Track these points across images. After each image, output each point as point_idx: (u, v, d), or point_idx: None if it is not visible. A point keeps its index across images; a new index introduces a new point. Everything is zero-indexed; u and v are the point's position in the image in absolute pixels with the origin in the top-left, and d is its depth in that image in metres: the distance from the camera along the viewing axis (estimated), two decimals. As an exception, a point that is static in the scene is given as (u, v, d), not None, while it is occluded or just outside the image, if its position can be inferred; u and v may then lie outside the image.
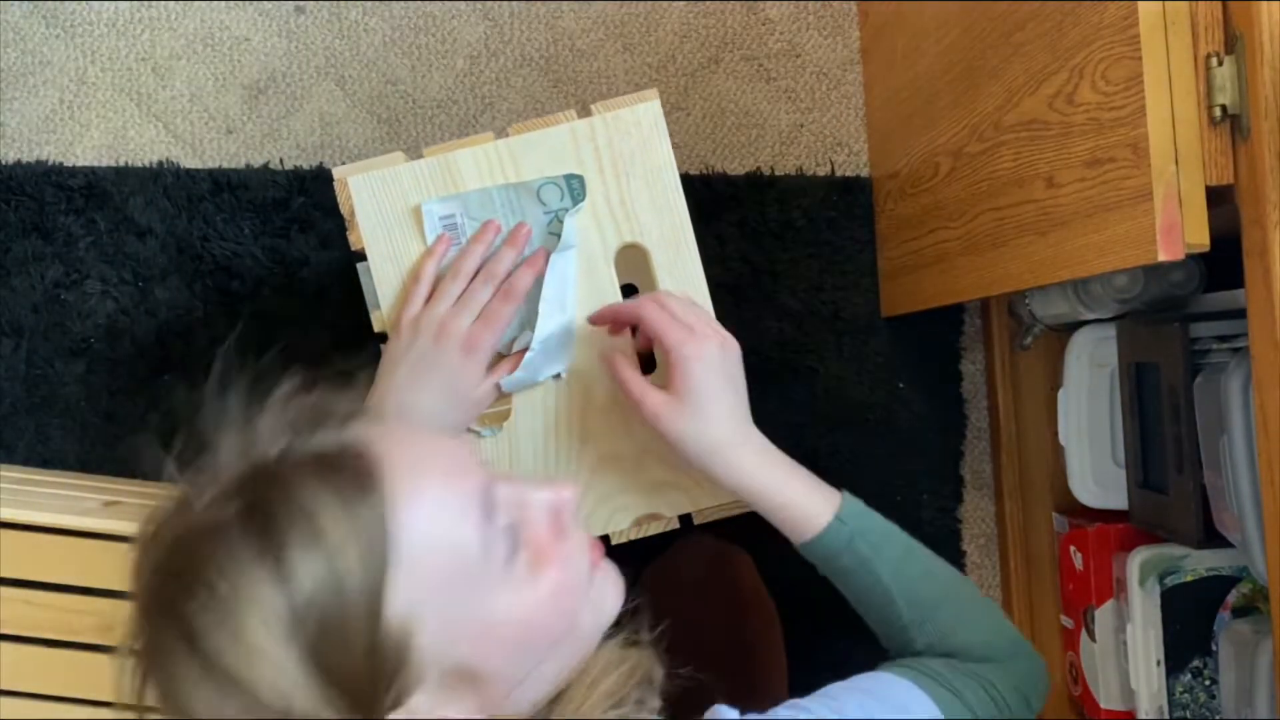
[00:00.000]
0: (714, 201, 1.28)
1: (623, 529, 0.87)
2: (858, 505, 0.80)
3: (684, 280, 0.86)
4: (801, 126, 1.30)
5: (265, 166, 1.29)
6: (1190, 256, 0.88)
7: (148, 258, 1.26)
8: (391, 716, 0.54)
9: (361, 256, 0.87)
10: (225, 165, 1.29)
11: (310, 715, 0.52)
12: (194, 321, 1.27)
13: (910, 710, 0.69)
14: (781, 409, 1.27)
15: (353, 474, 0.56)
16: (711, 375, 0.77)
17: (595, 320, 0.85)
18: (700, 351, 0.77)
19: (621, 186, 0.86)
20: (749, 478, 0.78)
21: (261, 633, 0.52)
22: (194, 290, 1.27)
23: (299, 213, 1.28)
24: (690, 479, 0.86)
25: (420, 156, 0.86)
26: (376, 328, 0.88)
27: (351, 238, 0.87)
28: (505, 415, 0.86)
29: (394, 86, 1.30)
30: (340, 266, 1.28)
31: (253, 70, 1.30)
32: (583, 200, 0.85)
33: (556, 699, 0.61)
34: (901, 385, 1.28)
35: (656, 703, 0.62)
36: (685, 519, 0.89)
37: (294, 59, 1.30)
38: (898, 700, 0.69)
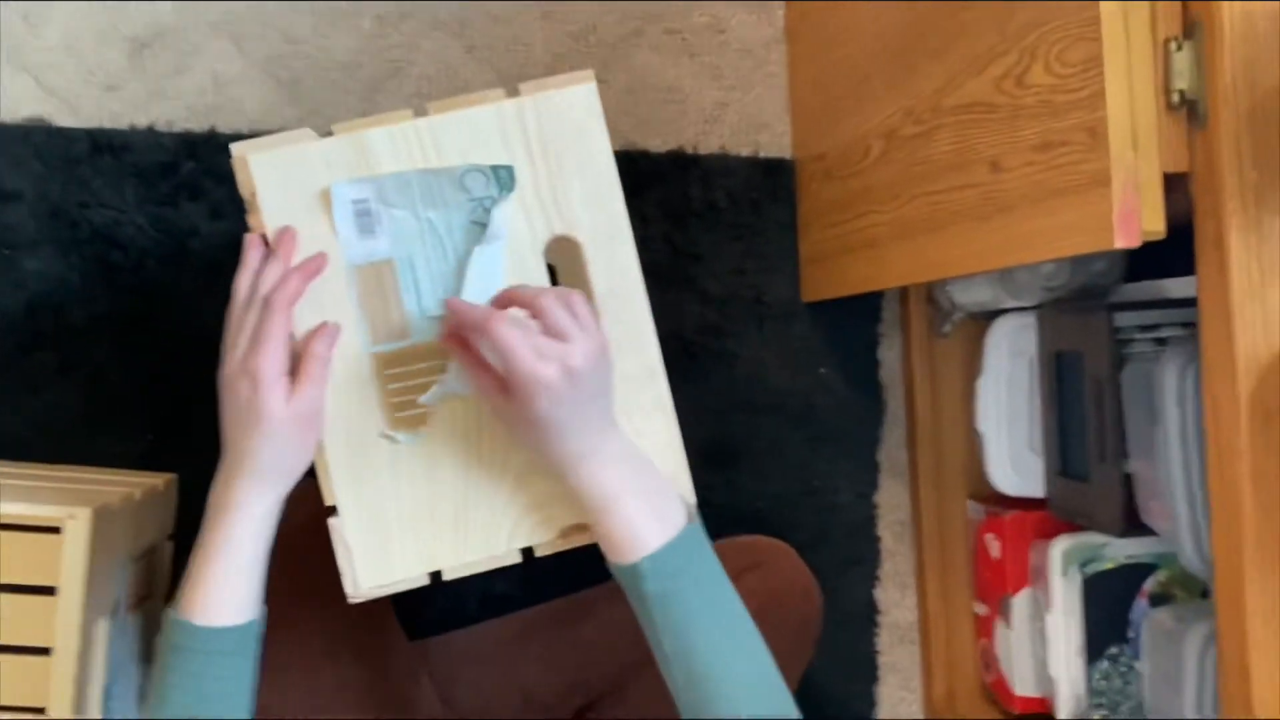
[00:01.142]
0: (636, 179, 1.23)
1: (548, 540, 0.82)
2: (680, 557, 0.75)
3: (619, 278, 0.81)
4: (725, 105, 1.27)
5: (150, 128, 1.19)
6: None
7: (15, 224, 1.15)
8: None
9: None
10: (106, 125, 1.18)
11: None
12: (68, 295, 1.16)
13: None
14: (701, 394, 1.24)
15: None
16: (553, 406, 0.73)
17: (446, 331, 0.78)
18: (540, 388, 0.72)
19: (553, 175, 0.79)
20: (580, 491, 0.76)
21: None
22: (69, 261, 1.16)
23: (188, 179, 1.18)
24: None
25: (329, 134, 0.79)
26: None
27: (252, 221, 0.79)
28: (422, 420, 0.80)
29: (294, 46, 1.22)
30: (234, 239, 1.19)
31: (138, 22, 1.19)
32: (511, 190, 0.79)
33: None
34: (822, 371, 1.27)
35: None
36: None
37: (184, 12, 1.20)
38: None
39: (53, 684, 0.87)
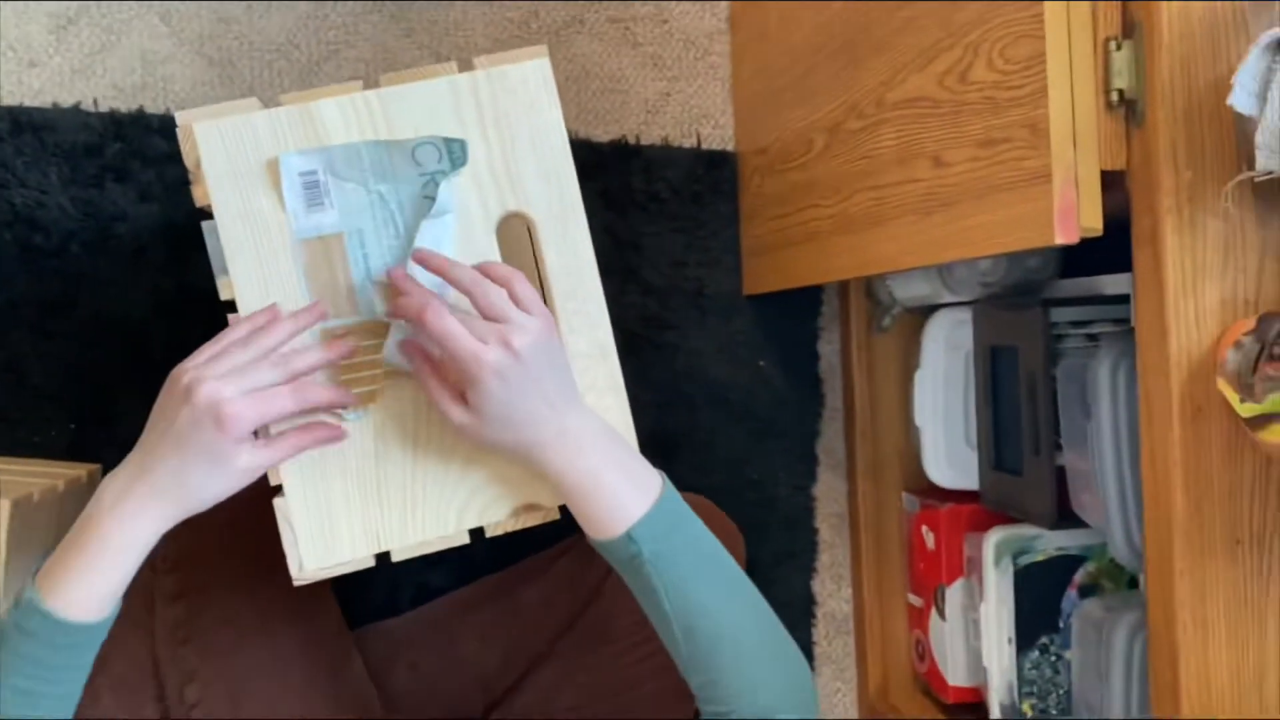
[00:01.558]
0: (578, 169, 1.21)
1: (499, 520, 0.81)
2: (663, 519, 0.75)
3: (571, 256, 0.80)
4: (668, 95, 1.27)
5: (76, 107, 1.15)
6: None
7: (-69, 204, 1.11)
8: None
9: (207, 214, 0.77)
10: (27, 103, 1.14)
11: None
12: (-13, 278, 1.12)
13: None
14: (641, 386, 1.23)
15: None
16: (504, 387, 0.72)
17: (389, 312, 0.77)
18: (486, 370, 0.71)
19: (505, 150, 0.79)
20: (557, 475, 0.75)
21: None
22: (-12, 243, 1.12)
23: (115, 160, 1.15)
24: None
25: (277, 104, 0.77)
26: (223, 295, 0.78)
27: (196, 192, 0.77)
28: (371, 398, 0.78)
29: (227, 26, 1.19)
30: (163, 223, 1.16)
31: (61, -4, 1.15)
32: (463, 165, 0.78)
33: None
34: (762, 364, 1.27)
35: None
36: (565, 509, 0.83)
37: (111, -13, 1.16)
38: None
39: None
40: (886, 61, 0.90)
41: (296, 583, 0.78)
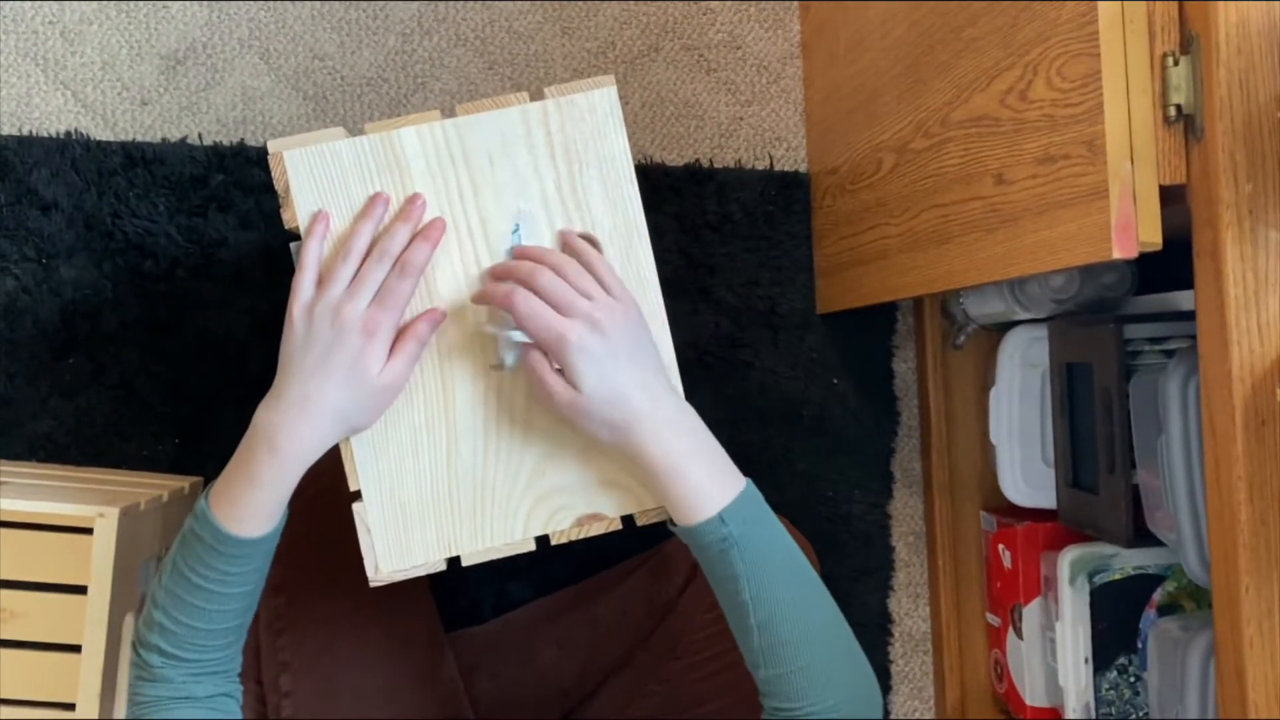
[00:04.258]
0: (652, 192, 1.26)
1: (563, 529, 0.84)
2: (750, 508, 0.77)
3: (636, 275, 0.84)
4: (741, 119, 1.29)
5: (183, 141, 1.22)
6: (1122, 260, 0.89)
7: (53, 234, 1.19)
8: None
9: (295, 236, 0.83)
10: (139, 138, 1.22)
11: None
12: (102, 302, 1.20)
13: None
14: (715, 403, 1.26)
15: None
16: (591, 363, 0.75)
17: (476, 300, 0.81)
18: (572, 345, 0.75)
19: (574, 175, 0.83)
20: (653, 456, 0.77)
21: None
22: (102, 269, 1.20)
23: (217, 191, 1.22)
24: (635, 478, 0.84)
25: (361, 132, 0.82)
26: None
27: (285, 215, 0.82)
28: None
29: (321, 62, 1.25)
30: (260, 248, 1.23)
31: (171, 39, 1.23)
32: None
33: None
34: (836, 381, 1.28)
35: None
36: (629, 520, 0.86)
37: (215, 29, 1.24)
38: None
39: (81, 681, 0.90)
40: (950, 82, 0.91)
41: (372, 584, 0.82)
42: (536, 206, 0.83)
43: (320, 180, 0.81)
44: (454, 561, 0.84)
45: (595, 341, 0.75)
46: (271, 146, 0.82)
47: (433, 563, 0.83)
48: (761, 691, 0.77)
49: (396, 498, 0.82)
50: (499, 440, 0.83)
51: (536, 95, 0.83)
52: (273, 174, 0.82)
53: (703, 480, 0.77)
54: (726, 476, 0.78)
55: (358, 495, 0.83)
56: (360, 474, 0.82)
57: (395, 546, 0.82)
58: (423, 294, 0.82)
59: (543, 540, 0.84)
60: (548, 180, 0.82)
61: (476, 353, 0.83)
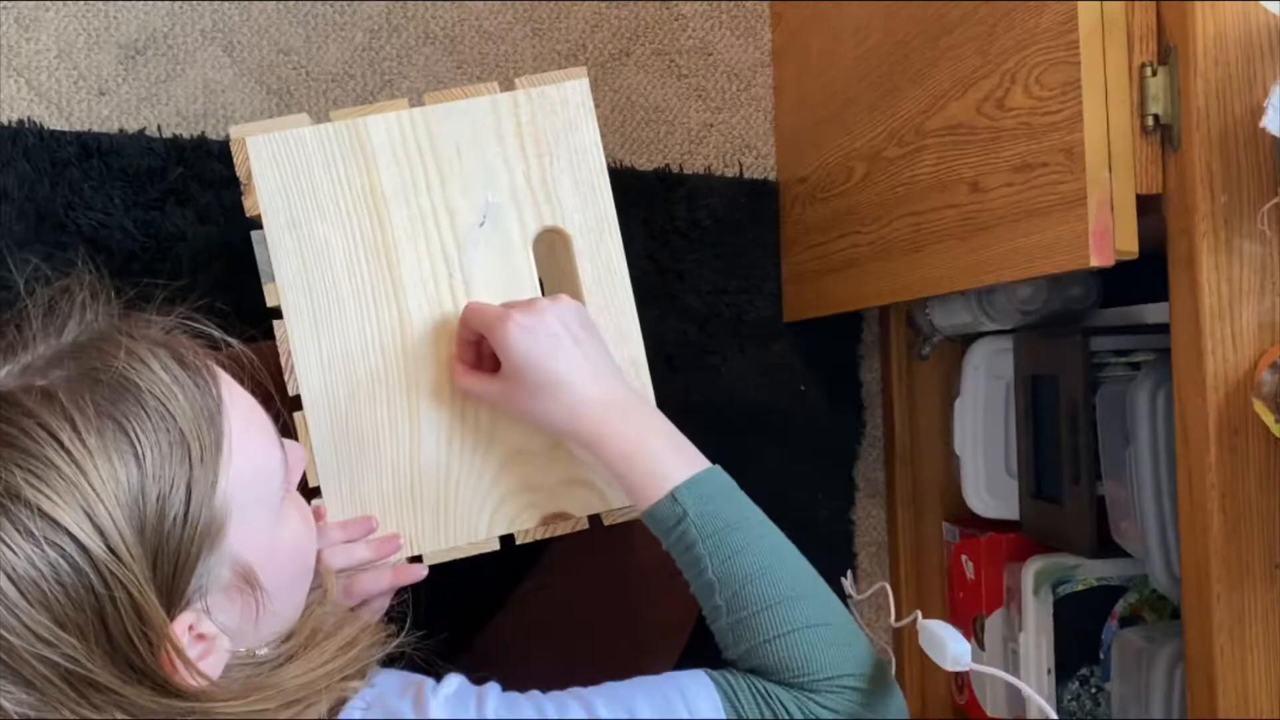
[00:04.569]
0: (621, 197, 1.23)
1: (529, 528, 0.82)
2: (709, 486, 0.72)
3: (606, 269, 0.83)
4: (711, 126, 1.29)
5: (141, 132, 1.19)
6: (1088, 272, 0.89)
7: (2, 224, 1.15)
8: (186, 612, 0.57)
9: (256, 224, 0.81)
10: (95, 129, 1.19)
11: (126, 579, 0.54)
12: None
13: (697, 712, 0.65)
14: (682, 409, 1.24)
15: (194, 365, 0.60)
16: (534, 344, 0.74)
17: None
18: (513, 325, 0.74)
19: (544, 167, 0.81)
20: (600, 440, 0.74)
21: (95, 499, 0.54)
22: (54, 262, 1.16)
23: (176, 184, 1.19)
24: (602, 477, 0.82)
25: (328, 120, 0.80)
26: (270, 301, 0.81)
27: (247, 203, 0.80)
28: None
29: (286, 56, 1.23)
30: (220, 244, 1.20)
31: (130, 28, 1.20)
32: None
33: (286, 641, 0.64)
34: (802, 389, 1.28)
35: (371, 675, 0.64)
36: (595, 519, 0.85)
37: (177, 19, 1.21)
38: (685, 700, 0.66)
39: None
40: (926, 90, 0.91)
41: None
42: (505, 198, 0.81)
43: (284, 168, 0.79)
44: (415, 559, 0.82)
45: (531, 321, 0.75)
46: (234, 132, 0.80)
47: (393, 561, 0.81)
48: (725, 654, 0.72)
49: (357, 494, 0.80)
50: (463, 436, 0.81)
51: (507, 86, 0.82)
52: (235, 160, 0.80)
53: (658, 457, 0.73)
54: (686, 456, 0.74)
55: (317, 491, 0.80)
56: (320, 469, 0.80)
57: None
58: (387, 286, 0.80)
59: (507, 540, 0.82)
60: (517, 172, 0.81)
61: (440, 347, 0.81)
